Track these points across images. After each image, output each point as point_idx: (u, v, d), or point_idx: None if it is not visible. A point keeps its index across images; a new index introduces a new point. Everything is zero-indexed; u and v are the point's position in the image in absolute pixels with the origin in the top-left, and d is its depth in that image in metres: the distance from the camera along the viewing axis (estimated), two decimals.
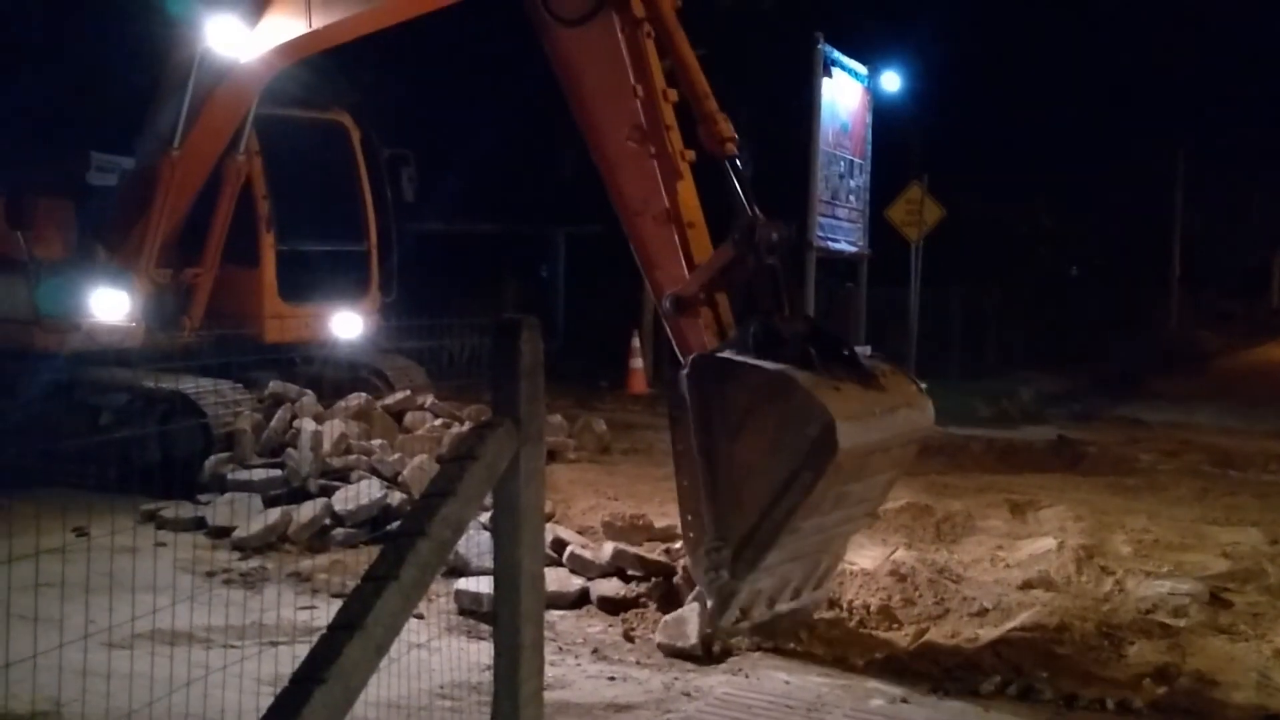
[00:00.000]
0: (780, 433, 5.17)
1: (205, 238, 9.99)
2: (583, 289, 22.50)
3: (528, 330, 2.96)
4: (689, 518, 5.65)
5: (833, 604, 6.18)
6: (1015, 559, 7.21)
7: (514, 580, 2.94)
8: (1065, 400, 17.48)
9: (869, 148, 18.86)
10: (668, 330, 6.41)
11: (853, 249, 18.62)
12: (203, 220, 9.99)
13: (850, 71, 17.93)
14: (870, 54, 18.68)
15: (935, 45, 21.96)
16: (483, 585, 5.90)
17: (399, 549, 2.48)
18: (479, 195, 21.47)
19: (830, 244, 17.67)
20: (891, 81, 19.07)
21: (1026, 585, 6.60)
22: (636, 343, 16.58)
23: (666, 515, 7.87)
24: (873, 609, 6.12)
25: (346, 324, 10.85)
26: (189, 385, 9.08)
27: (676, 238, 6.29)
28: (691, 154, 6.36)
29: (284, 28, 8.68)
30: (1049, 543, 7.38)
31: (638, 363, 16.45)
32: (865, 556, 6.98)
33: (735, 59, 19.38)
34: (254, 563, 7.09)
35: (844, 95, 17.89)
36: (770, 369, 5.34)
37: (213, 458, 8.60)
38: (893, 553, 7.02)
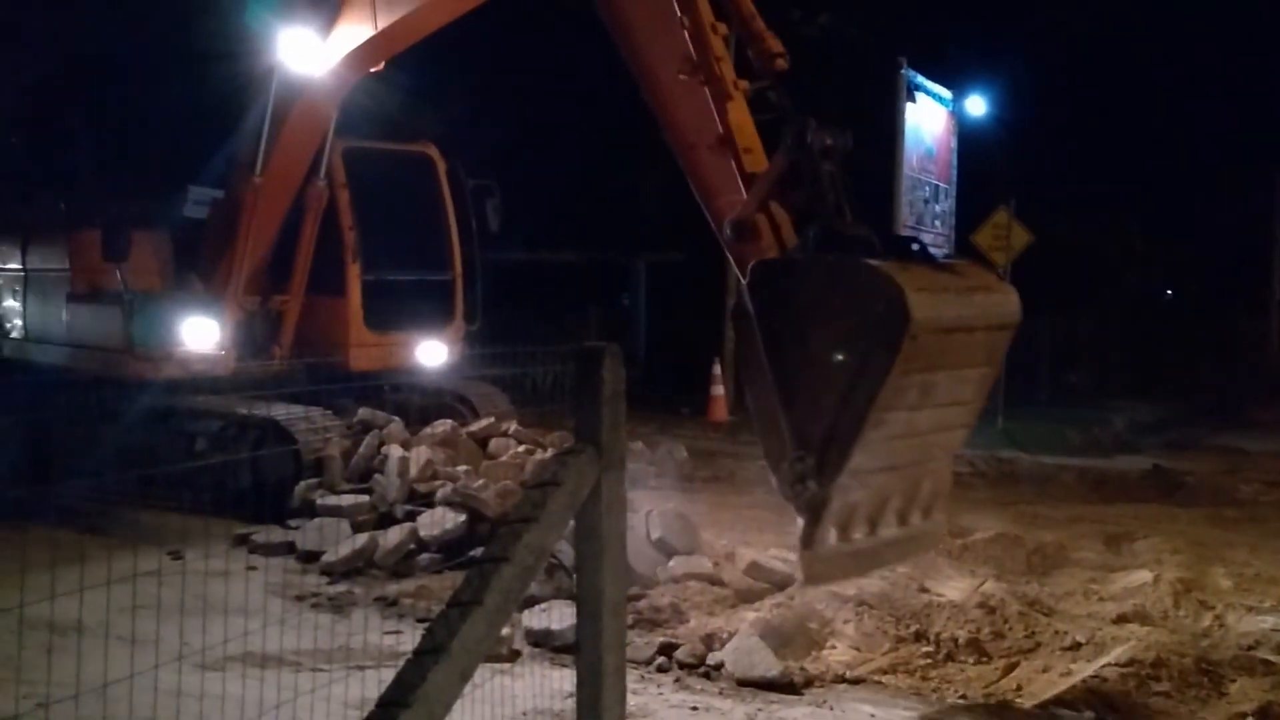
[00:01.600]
0: (849, 318, 4.86)
1: (292, 266, 10.24)
2: (664, 317, 22.55)
3: (609, 357, 2.98)
4: (767, 436, 5.32)
5: (919, 636, 6.06)
6: (1109, 592, 7.01)
7: (596, 607, 2.95)
8: (1160, 428, 17.00)
9: (954, 172, 18.66)
10: (730, 259, 6.25)
11: None
12: (290, 248, 10.24)
13: (934, 96, 17.79)
14: (955, 78, 18.51)
15: (1022, 68, 21.68)
16: (552, 620, 5.91)
17: (483, 575, 2.50)
18: (562, 224, 21.70)
19: None
20: (976, 105, 18.87)
21: (1121, 619, 6.41)
22: (717, 370, 16.55)
23: (749, 544, 7.83)
24: (961, 641, 5.99)
25: (431, 352, 11.00)
26: (281, 412, 9.29)
27: (733, 163, 6.18)
28: (745, 83, 6.27)
29: (352, 35, 8.91)
30: (1145, 575, 7.17)
31: (719, 390, 16.40)
32: (953, 588, 6.85)
33: (818, 85, 19.35)
34: (341, 587, 7.19)
35: (928, 120, 17.75)
36: (828, 258, 5.17)
37: (303, 483, 8.77)
38: (981, 584, 6.88)
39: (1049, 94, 23.95)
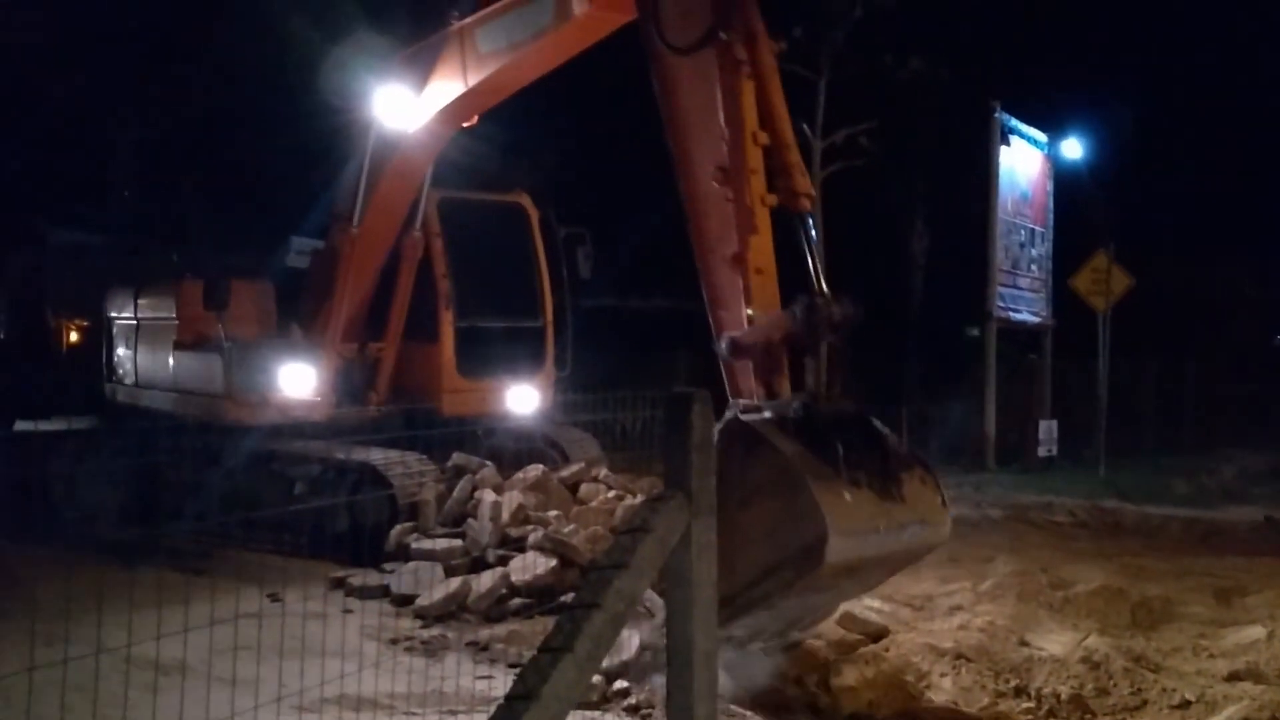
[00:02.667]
0: (779, 522, 5.14)
1: (388, 313, 10.47)
2: None
3: (699, 404, 2.98)
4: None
5: (1019, 691, 5.89)
6: (1220, 648, 6.73)
7: (686, 657, 2.93)
8: (1271, 478, 16.32)
9: (1050, 215, 18.37)
10: (722, 368, 6.39)
11: (1035, 319, 18.07)
12: (386, 297, 10.49)
13: (1029, 139, 17.57)
14: (1051, 120, 18.27)
15: (1121, 108, 21.27)
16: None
17: (574, 621, 2.52)
18: (652, 271, 21.82)
19: (1011, 314, 17.20)
20: (1073, 148, 18.57)
21: (1233, 677, 6.15)
22: None
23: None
24: (1063, 698, 5.81)
25: (522, 398, 11.13)
26: (377, 457, 9.47)
27: (742, 282, 6.24)
28: (773, 199, 6.23)
29: (444, 91, 9.15)
30: (1258, 631, 6.87)
31: None
32: (1054, 641, 6.65)
33: (910, 129, 19.25)
34: (435, 631, 7.26)
35: (1023, 163, 17.52)
36: (788, 455, 5.25)
37: (398, 527, 8.90)
38: (1084, 639, 6.66)
39: (1150, 134, 23.44)
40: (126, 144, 22.65)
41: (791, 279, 6.13)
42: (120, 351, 12.08)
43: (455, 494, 9.13)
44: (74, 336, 14.66)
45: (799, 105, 17.25)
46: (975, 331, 18.10)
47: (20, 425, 14.70)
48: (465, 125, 9.91)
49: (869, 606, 7.20)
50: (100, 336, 12.60)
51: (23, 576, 7.54)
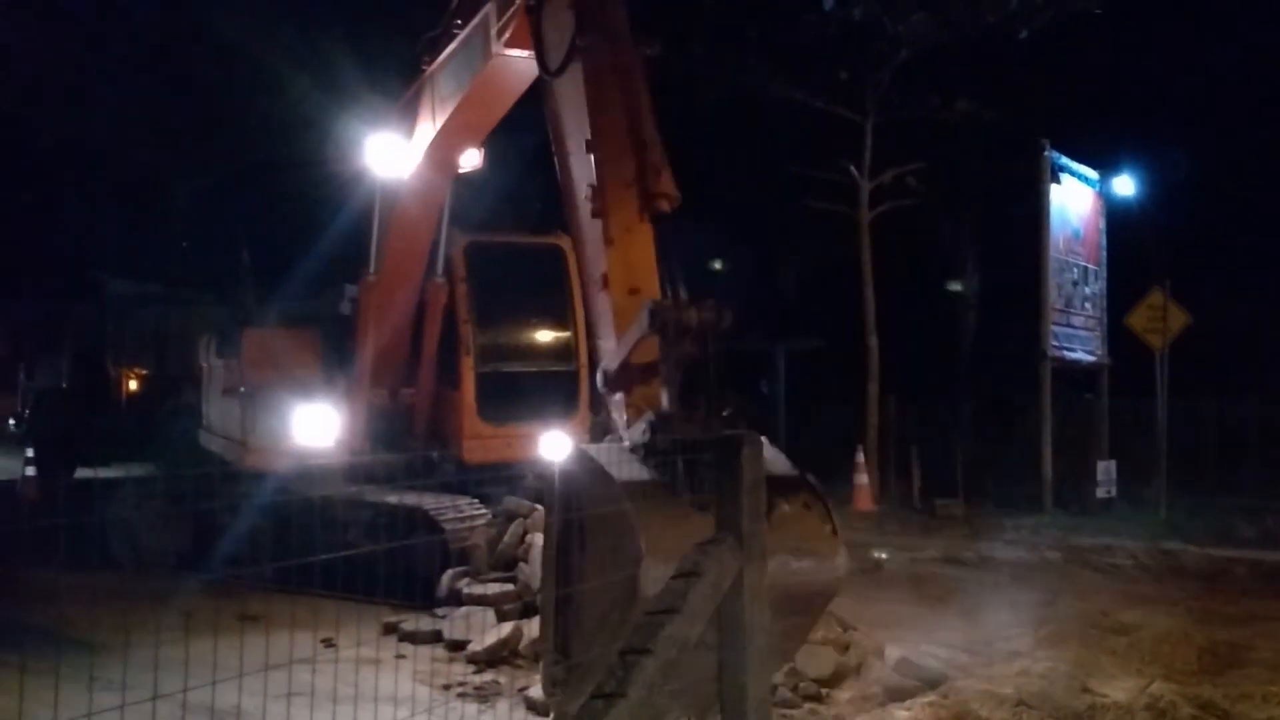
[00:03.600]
0: (614, 558, 4.47)
1: (418, 359, 10.53)
2: (804, 405, 22.35)
3: (749, 447, 2.97)
4: (542, 614, 5.02)
5: None
6: None
7: (739, 706, 2.90)
8: None
9: (1104, 253, 18.15)
10: (604, 406, 5.80)
11: (1090, 358, 17.82)
12: (419, 343, 10.56)
13: (1080, 177, 17.41)
14: (1102, 157, 18.10)
15: (1173, 144, 21.03)
16: None
17: (625, 667, 2.50)
18: None
19: (1066, 353, 16.98)
20: (1125, 185, 18.38)
21: None
22: (860, 458, 16.25)
23: (898, 640, 7.59)
24: None
25: (555, 444, 11.04)
26: (429, 502, 9.50)
27: (610, 306, 5.74)
28: (667, 204, 5.76)
29: (421, 136, 9.28)
30: None
31: (862, 479, 16.08)
32: (1118, 688, 6.49)
33: (959, 169, 19.17)
34: (487, 676, 7.24)
35: (1074, 201, 17.36)
36: (618, 484, 4.62)
37: (449, 571, 8.91)
38: (1149, 685, 6.49)
39: (1205, 169, 23.14)
40: (182, 196, 23.19)
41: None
42: (202, 400, 12.32)
43: (506, 538, 9.13)
44: (133, 385, 14.96)
45: (846, 147, 17.27)
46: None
47: (81, 472, 14.98)
48: (461, 171, 9.87)
49: (925, 651, 7.09)
50: (157, 384, 12.84)
51: (81, 621, 7.64)
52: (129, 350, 14.87)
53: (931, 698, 6.25)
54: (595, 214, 5.74)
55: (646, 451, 4.83)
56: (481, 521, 9.44)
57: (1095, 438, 17.17)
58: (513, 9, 7.26)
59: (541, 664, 4.91)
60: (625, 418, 5.41)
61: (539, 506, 9.62)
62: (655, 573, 4.05)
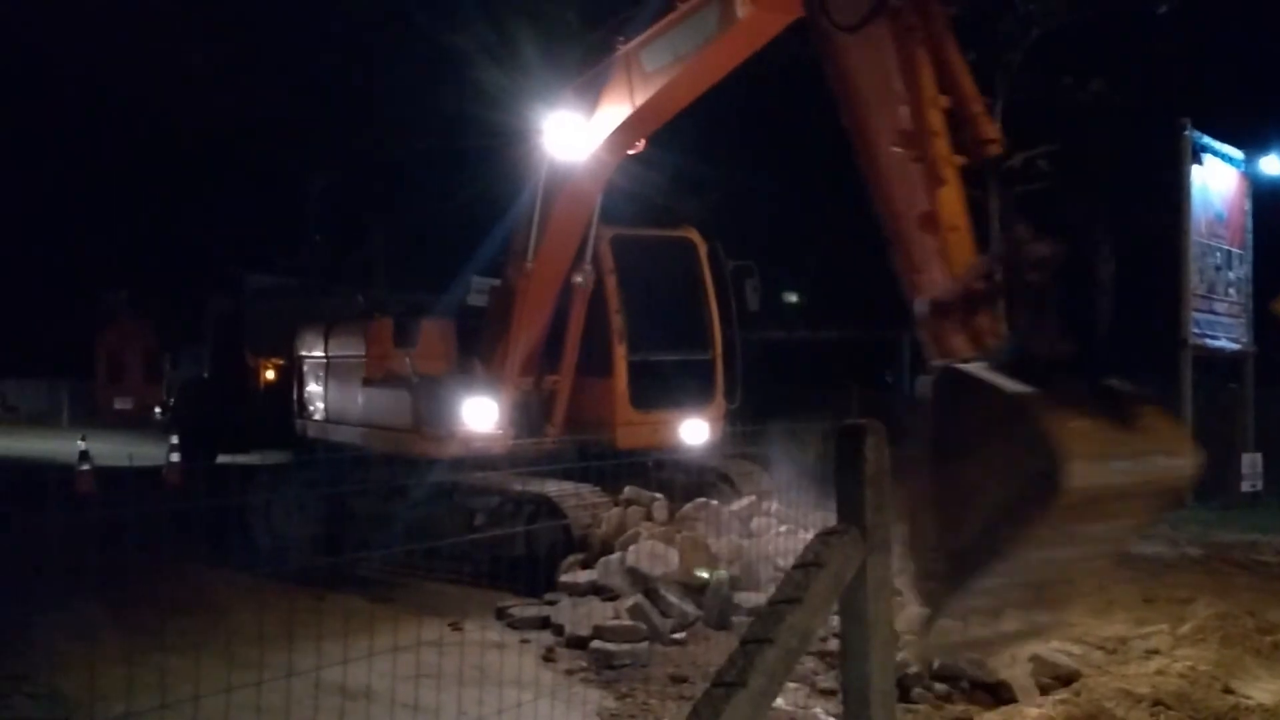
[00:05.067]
0: (1008, 460, 4.67)
1: (562, 348, 10.69)
2: None
3: (872, 436, 2.92)
4: (913, 522, 5.33)
5: None
6: None
7: (863, 696, 2.86)
8: None
9: (1249, 236, 17.33)
10: (920, 335, 6.06)
11: (1234, 346, 17.04)
12: (560, 331, 10.72)
13: (1224, 157, 16.65)
14: (1247, 136, 17.28)
15: None
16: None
17: (746, 656, 2.48)
18: (822, 301, 21.61)
19: (1208, 341, 16.27)
20: (1273, 164, 17.51)
21: None
22: None
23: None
24: None
25: (693, 430, 11.16)
26: (553, 489, 9.64)
27: (937, 242, 6.07)
28: (960, 159, 6.07)
29: (612, 116, 9.28)
30: None
31: None
32: (1264, 690, 6.19)
33: (1092, 151, 18.56)
34: (627, 660, 7.28)
35: (1217, 182, 16.61)
36: (1008, 391, 4.82)
37: (570, 558, 9.01)
38: None
39: None
40: (316, 191, 23.94)
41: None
42: (310, 388, 12.69)
43: (603, 527, 9.22)
44: (270, 375, 15.51)
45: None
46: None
47: (221, 458, 15.61)
48: (631, 152, 10.04)
49: (1058, 649, 6.88)
50: (293, 375, 13.26)
51: (221, 604, 7.96)
52: (266, 341, 15.40)
53: (1064, 695, 6.07)
54: (917, 159, 6.09)
55: (1016, 368, 4.98)
56: (603, 509, 9.52)
57: (1240, 429, 16.44)
58: None
59: (915, 558, 5.06)
60: (955, 343, 5.72)
61: (659, 496, 9.69)
62: (1077, 468, 4.38)
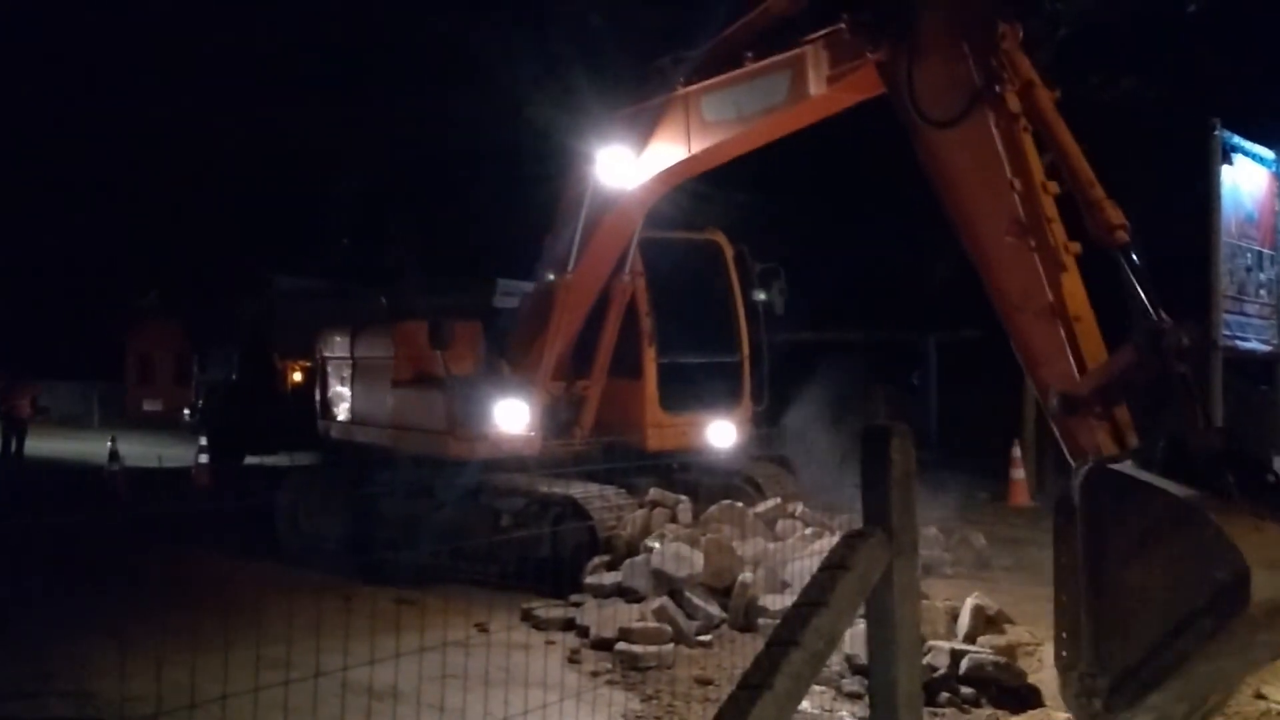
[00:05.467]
0: (1183, 568, 4.48)
1: (594, 352, 10.70)
2: (957, 396, 21.81)
3: (898, 438, 2.90)
4: (1064, 635, 5.13)
5: None
6: None
7: (890, 701, 2.84)
8: None
9: None
10: (1055, 431, 5.83)
11: (1266, 348, 16.86)
12: (591, 336, 10.72)
13: (1254, 156, 16.45)
14: (1278, 137, 17.09)
15: None
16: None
17: (771, 658, 2.48)
18: (848, 303, 21.53)
19: (1239, 343, 16.10)
20: None
21: None
22: (1017, 452, 15.74)
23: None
24: None
25: (720, 432, 11.16)
26: (578, 490, 9.66)
27: (1062, 332, 5.85)
28: (1077, 246, 5.92)
29: (665, 155, 9.24)
30: None
31: (1019, 474, 15.58)
32: None
33: (1119, 150, 18.40)
34: (651, 662, 7.28)
35: (1248, 182, 16.42)
36: (1177, 495, 4.61)
37: (595, 560, 9.02)
38: None
39: None
40: (343, 194, 24.08)
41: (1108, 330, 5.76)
42: (335, 389, 12.73)
43: (627, 529, 9.22)
44: (297, 377, 15.61)
45: None
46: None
47: (248, 460, 15.73)
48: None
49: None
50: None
51: (249, 604, 8.02)
52: (294, 343, 15.49)
53: None
54: (1035, 248, 5.96)
55: (1172, 465, 4.89)
56: (629, 511, 9.53)
57: (1271, 432, 16.26)
58: (856, 62, 7.20)
59: (1069, 676, 5.04)
60: (1097, 439, 5.57)
61: (684, 498, 9.68)
62: (1263, 579, 4.25)
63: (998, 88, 6.07)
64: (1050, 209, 5.95)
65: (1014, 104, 6.10)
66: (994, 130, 6.08)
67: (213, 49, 23.35)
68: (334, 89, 22.39)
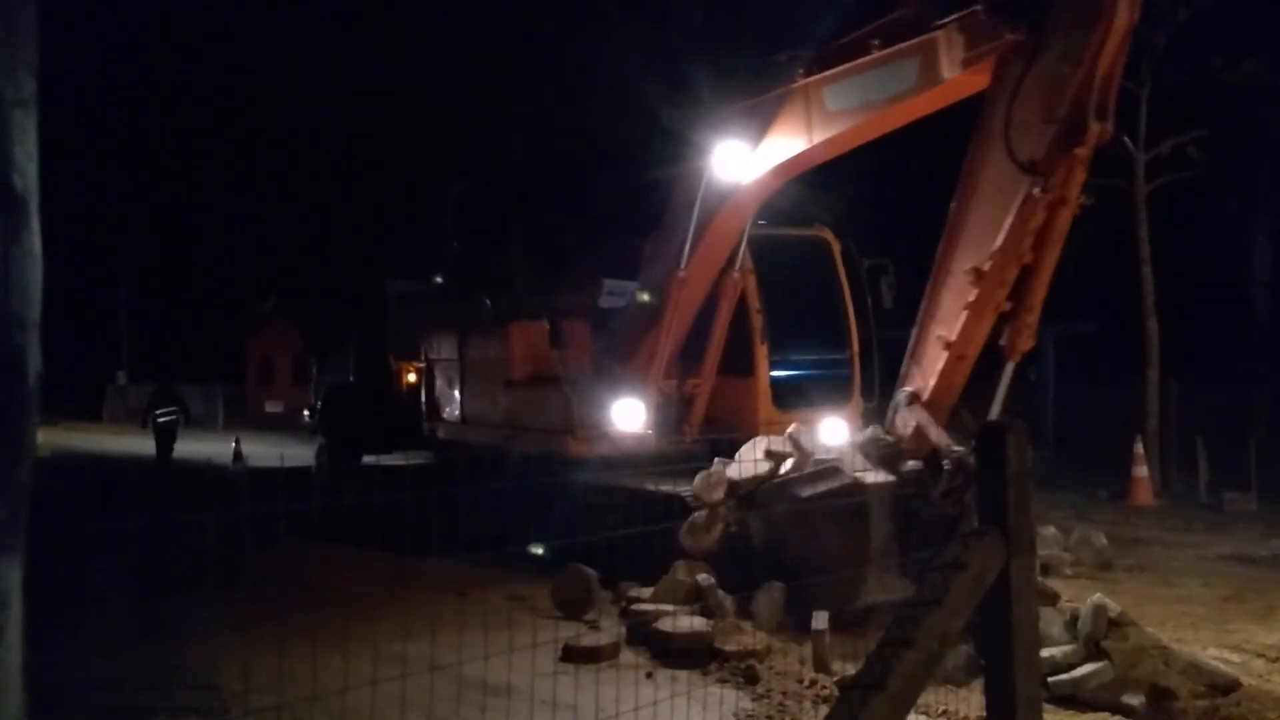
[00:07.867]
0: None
1: (704, 350, 10.67)
2: (1075, 392, 21.19)
3: (1014, 435, 2.83)
4: None
5: None
6: None
7: (1006, 705, 2.77)
8: None
9: None
10: (891, 415, 7.84)
11: None
12: (700, 334, 10.69)
13: None
14: None
15: None
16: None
17: (884, 658, 2.44)
18: None
19: None
20: None
21: None
22: (1140, 449, 15.23)
23: (1182, 641, 7.09)
24: None
25: (832, 429, 11.03)
26: (684, 488, 9.64)
27: (943, 362, 7.41)
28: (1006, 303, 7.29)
29: (784, 147, 9.18)
30: None
31: (1142, 471, 15.07)
32: None
33: (1246, 136, 17.66)
34: (750, 660, 7.25)
35: None
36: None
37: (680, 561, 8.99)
38: None
39: None
40: (454, 197, 24.48)
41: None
42: (442, 391, 12.93)
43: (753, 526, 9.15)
44: (410, 378, 15.93)
45: (1120, 117, 16.18)
46: None
47: (366, 459, 16.11)
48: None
49: (1216, 657, 6.58)
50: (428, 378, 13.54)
51: (368, 600, 8.22)
52: (407, 345, 15.81)
53: (1222, 704, 5.80)
54: (975, 300, 7.39)
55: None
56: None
57: None
58: (993, 44, 7.38)
59: None
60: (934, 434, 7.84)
61: None
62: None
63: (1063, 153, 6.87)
64: (1010, 277, 7.17)
65: (1059, 190, 6.97)
66: (1029, 195, 7.00)
67: (337, 59, 23.97)
68: (447, 93, 22.76)
